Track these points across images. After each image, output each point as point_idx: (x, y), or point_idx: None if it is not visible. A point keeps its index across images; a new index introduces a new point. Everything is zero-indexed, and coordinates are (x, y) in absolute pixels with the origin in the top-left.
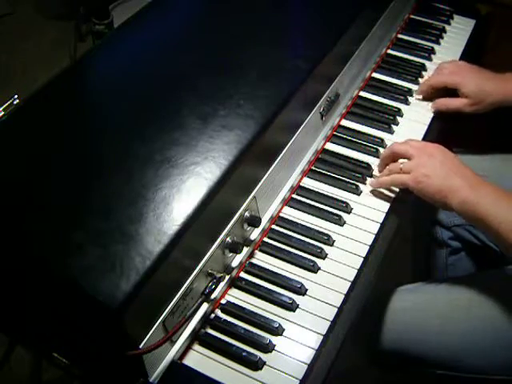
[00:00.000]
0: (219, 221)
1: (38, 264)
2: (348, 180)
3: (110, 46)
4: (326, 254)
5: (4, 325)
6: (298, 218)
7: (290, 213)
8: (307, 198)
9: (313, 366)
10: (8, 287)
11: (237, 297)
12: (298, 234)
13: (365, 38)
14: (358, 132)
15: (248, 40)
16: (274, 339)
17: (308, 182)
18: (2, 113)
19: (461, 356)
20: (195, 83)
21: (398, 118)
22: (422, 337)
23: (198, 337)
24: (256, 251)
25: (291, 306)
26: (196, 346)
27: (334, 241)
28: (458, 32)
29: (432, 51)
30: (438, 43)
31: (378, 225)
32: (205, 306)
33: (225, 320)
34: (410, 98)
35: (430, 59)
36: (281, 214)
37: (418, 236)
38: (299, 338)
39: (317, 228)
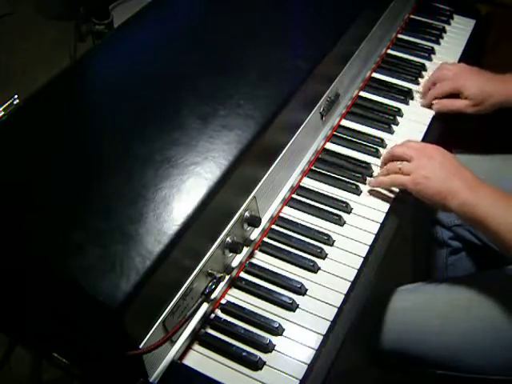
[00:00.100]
0: (219, 221)
1: (38, 264)
2: (348, 180)
3: (110, 46)
4: (326, 254)
5: (4, 325)
6: (297, 218)
7: (289, 213)
8: (307, 198)
9: (313, 366)
10: (8, 287)
11: (237, 297)
12: (298, 233)
13: (365, 38)
14: (358, 132)
15: (248, 40)
16: (274, 339)
17: (308, 182)
18: (2, 113)
19: (461, 356)
20: (195, 83)
21: (398, 118)
22: (422, 337)
23: (198, 337)
24: (256, 251)
25: (291, 306)
26: (196, 346)
27: (334, 241)
28: (458, 32)
29: (432, 51)
30: (438, 43)
31: (378, 225)
32: (205, 306)
33: (225, 320)
34: (409, 99)
35: (429, 59)
36: (281, 214)
37: (417, 236)
38: (299, 338)
39: (317, 228)
